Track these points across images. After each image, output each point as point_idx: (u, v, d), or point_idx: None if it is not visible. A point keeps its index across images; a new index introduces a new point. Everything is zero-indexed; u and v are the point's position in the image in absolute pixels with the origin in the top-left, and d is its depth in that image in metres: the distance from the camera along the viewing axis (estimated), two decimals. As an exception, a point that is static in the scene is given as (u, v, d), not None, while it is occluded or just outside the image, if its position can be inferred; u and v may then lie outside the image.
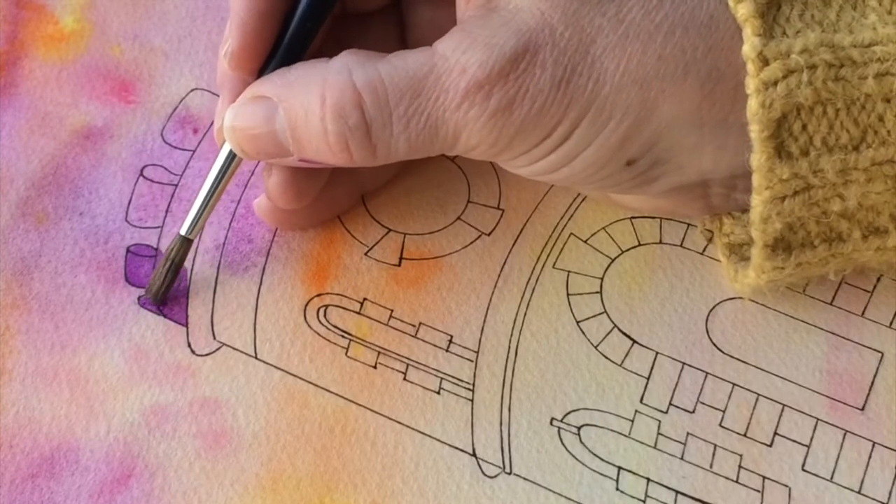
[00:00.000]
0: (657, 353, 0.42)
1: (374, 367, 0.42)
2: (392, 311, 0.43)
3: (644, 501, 0.40)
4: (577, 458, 0.40)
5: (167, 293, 0.43)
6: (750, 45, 0.36)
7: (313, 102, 0.38)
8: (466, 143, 0.38)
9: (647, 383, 0.42)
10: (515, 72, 0.36)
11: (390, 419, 0.41)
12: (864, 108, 0.37)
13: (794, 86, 0.36)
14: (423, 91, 0.37)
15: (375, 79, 0.37)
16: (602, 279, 0.43)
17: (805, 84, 0.36)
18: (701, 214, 0.42)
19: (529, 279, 0.43)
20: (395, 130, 0.38)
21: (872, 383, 0.41)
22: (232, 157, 0.41)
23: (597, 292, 0.43)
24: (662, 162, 0.38)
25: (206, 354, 0.42)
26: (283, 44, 0.40)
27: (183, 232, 0.42)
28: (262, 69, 0.40)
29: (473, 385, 0.42)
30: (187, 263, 0.43)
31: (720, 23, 0.37)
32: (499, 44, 0.37)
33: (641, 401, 0.41)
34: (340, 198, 0.44)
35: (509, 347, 0.42)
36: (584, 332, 0.42)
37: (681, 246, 0.44)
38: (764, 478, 0.40)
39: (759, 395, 0.41)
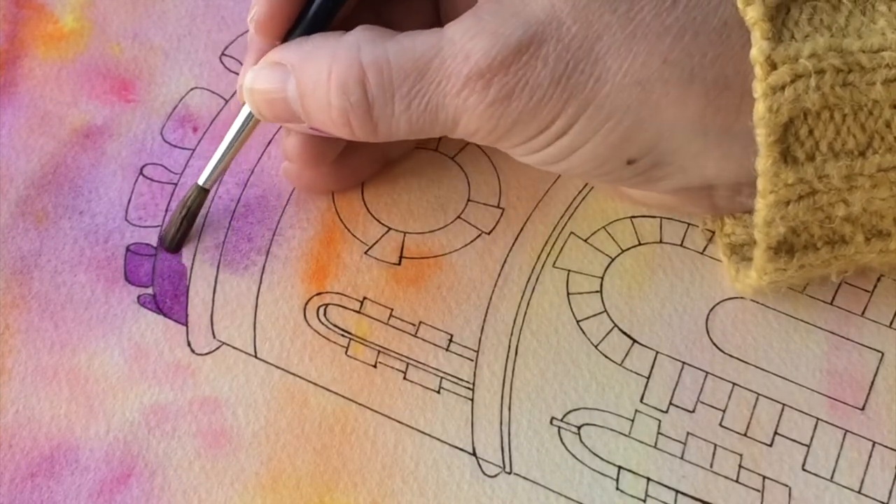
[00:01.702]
0: (657, 352, 0.42)
1: (374, 367, 0.42)
2: (392, 309, 0.43)
3: (644, 501, 0.40)
4: (577, 458, 0.40)
5: (182, 242, 0.44)
6: (758, 48, 0.36)
7: (321, 75, 0.38)
8: (465, 128, 0.38)
9: (647, 383, 0.41)
10: (517, 63, 0.37)
11: (390, 418, 0.41)
12: (871, 113, 0.36)
13: (802, 90, 0.36)
14: (427, 74, 0.37)
15: (381, 58, 0.38)
16: (602, 278, 0.43)
17: (813, 89, 0.36)
18: (706, 213, 0.42)
19: (529, 278, 0.43)
20: (396, 110, 0.38)
21: (872, 383, 0.41)
22: (252, 115, 0.42)
23: (597, 291, 0.43)
24: (665, 164, 0.38)
25: (206, 353, 0.42)
26: (308, 12, 0.40)
27: (200, 182, 0.43)
28: (288, 34, 0.40)
29: (473, 384, 0.42)
30: (187, 262, 0.43)
31: (733, 30, 0.37)
32: (505, 33, 0.37)
33: (641, 400, 0.41)
34: (362, 164, 0.44)
35: (509, 346, 0.42)
36: (584, 332, 0.42)
37: (681, 245, 0.44)
38: (764, 477, 0.40)
39: (759, 394, 0.41)
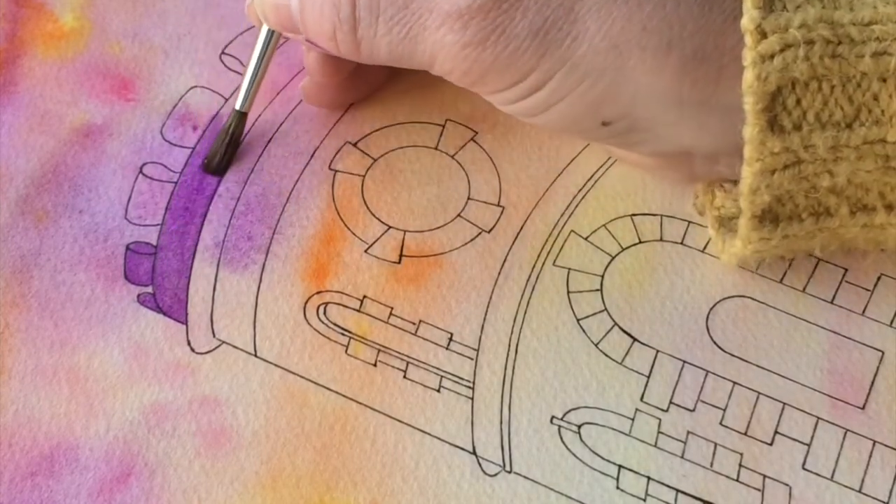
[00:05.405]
0: (658, 351, 0.42)
1: (374, 365, 0.42)
2: (392, 308, 0.43)
3: (644, 500, 0.40)
4: (577, 457, 0.40)
5: (227, 166, 0.45)
6: (749, 17, 0.36)
7: None
8: (441, 66, 0.39)
9: (647, 381, 0.41)
10: (496, 10, 0.37)
11: (390, 417, 0.41)
12: (859, 86, 0.37)
13: (791, 60, 0.36)
14: (413, 3, 0.38)
15: None
16: (602, 277, 0.43)
17: (801, 59, 0.36)
18: (686, 179, 0.43)
19: (530, 276, 0.43)
20: (378, 32, 0.39)
21: (873, 382, 0.41)
22: (272, 31, 0.43)
23: (597, 290, 0.43)
24: (641, 130, 0.39)
25: (206, 352, 0.42)
26: None
27: (238, 106, 0.45)
28: None
29: (473, 383, 0.42)
30: (186, 260, 0.43)
31: (716, 4, 0.37)
32: None
33: (642, 399, 0.41)
34: (374, 73, 0.45)
35: (509, 345, 0.42)
36: (584, 330, 0.42)
37: (681, 244, 0.43)
38: (764, 476, 0.40)
39: (759, 393, 0.41)
